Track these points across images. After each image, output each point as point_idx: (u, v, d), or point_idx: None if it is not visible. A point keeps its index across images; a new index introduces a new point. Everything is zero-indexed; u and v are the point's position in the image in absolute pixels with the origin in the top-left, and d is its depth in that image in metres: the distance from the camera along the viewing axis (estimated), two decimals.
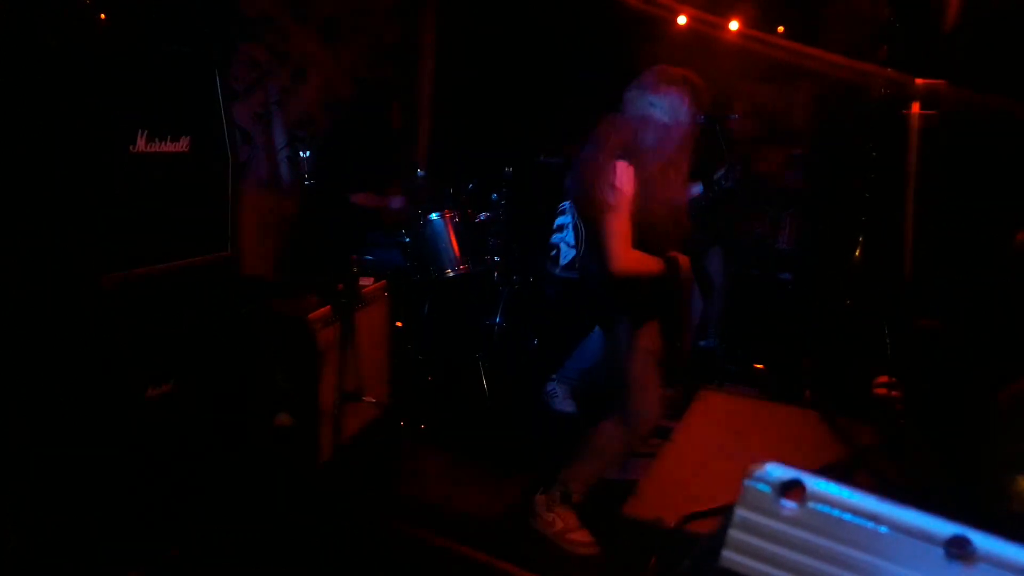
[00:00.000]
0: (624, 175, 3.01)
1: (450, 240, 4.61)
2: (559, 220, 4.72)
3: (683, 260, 3.20)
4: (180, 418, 2.80)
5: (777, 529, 0.66)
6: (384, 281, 3.65)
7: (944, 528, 0.62)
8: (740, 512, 0.67)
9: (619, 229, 3.00)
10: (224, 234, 3.01)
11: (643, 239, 3.09)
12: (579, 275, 3.30)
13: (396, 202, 4.94)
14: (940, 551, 0.61)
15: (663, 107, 3.07)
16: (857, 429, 1.90)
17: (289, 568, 2.91)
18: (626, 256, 3.01)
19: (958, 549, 0.61)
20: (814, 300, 3.16)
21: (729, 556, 0.67)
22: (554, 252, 3.33)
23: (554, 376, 4.32)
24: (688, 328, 4.26)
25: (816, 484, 0.66)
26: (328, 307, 3.12)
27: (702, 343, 4.91)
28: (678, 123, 3.07)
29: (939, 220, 2.39)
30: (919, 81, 2.50)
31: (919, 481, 1.60)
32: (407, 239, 4.73)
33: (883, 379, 2.40)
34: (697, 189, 3.96)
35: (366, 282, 3.47)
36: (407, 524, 3.34)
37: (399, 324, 4.62)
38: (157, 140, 2.66)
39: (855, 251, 2.75)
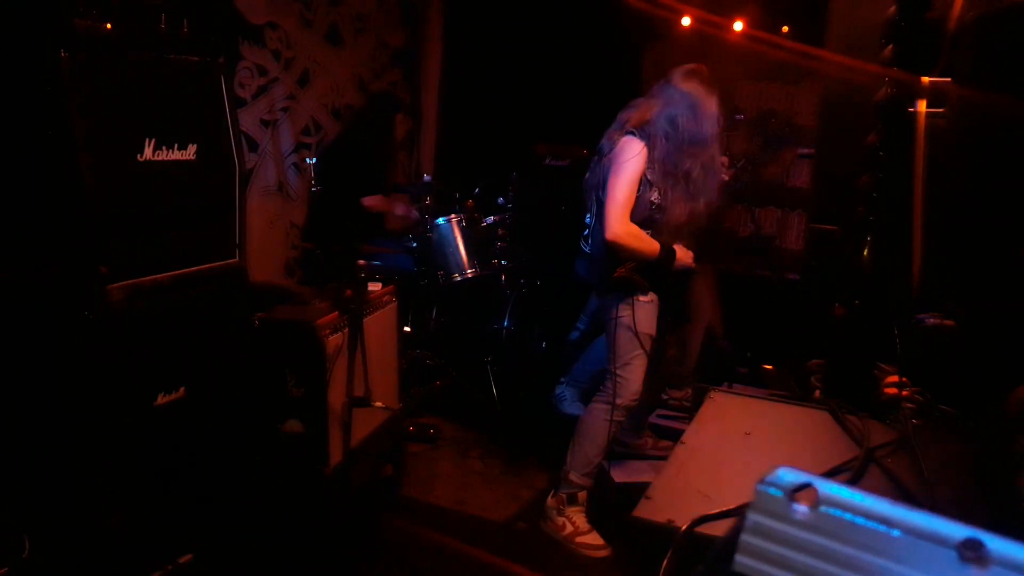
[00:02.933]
0: (632, 149, 3.08)
1: (457, 244, 4.62)
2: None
3: (683, 254, 3.23)
4: (190, 425, 2.80)
5: (789, 533, 0.66)
6: (392, 286, 3.65)
7: (957, 531, 0.62)
8: (752, 516, 0.67)
9: (619, 198, 3.09)
10: (232, 241, 3.01)
11: (660, 228, 3.15)
12: (589, 246, 3.37)
13: (401, 208, 4.95)
14: (953, 554, 0.61)
15: (685, 100, 3.13)
16: (868, 429, 1.89)
17: (301, 573, 2.92)
18: (622, 226, 3.08)
19: (971, 552, 0.60)
20: (823, 300, 3.15)
21: (742, 560, 0.67)
22: (586, 232, 3.40)
23: (563, 379, 4.32)
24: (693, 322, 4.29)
25: (828, 488, 0.66)
26: (336, 313, 3.13)
27: (711, 345, 4.90)
28: (701, 119, 3.12)
29: (948, 219, 2.38)
30: (925, 80, 2.49)
31: (931, 481, 1.60)
32: (415, 244, 4.73)
33: (893, 379, 2.40)
34: None
35: (374, 287, 3.47)
36: (418, 527, 3.34)
37: (407, 329, 4.63)
38: (164, 148, 2.67)
39: (863, 251, 2.74)
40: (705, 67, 3.27)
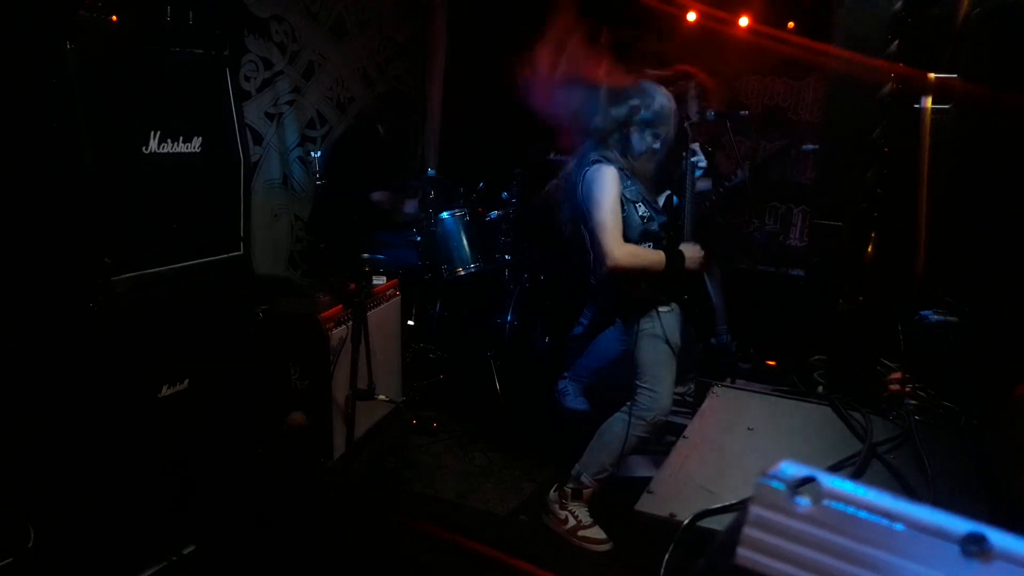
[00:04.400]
0: (602, 176, 3.05)
1: (461, 239, 4.62)
2: None
3: (692, 252, 3.19)
4: (194, 417, 2.81)
5: (792, 527, 0.66)
6: (396, 280, 3.66)
7: (960, 525, 0.62)
8: (754, 510, 0.67)
9: (607, 225, 3.05)
10: (236, 233, 3.02)
11: (658, 239, 3.14)
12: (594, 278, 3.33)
13: (410, 206, 4.94)
14: (956, 548, 0.61)
15: (646, 110, 3.12)
16: (871, 425, 1.89)
17: (303, 565, 2.92)
18: (620, 250, 3.04)
19: (974, 546, 0.60)
20: (826, 296, 3.14)
21: (744, 554, 0.67)
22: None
23: (566, 374, 4.32)
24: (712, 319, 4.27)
25: (831, 481, 0.66)
26: (340, 306, 3.13)
27: (713, 340, 4.89)
28: (663, 126, 3.11)
29: (953, 216, 2.38)
30: (931, 76, 2.48)
31: (934, 477, 1.60)
32: (418, 238, 4.73)
33: (896, 375, 2.39)
34: (705, 186, 3.97)
35: (378, 281, 3.48)
36: (420, 521, 3.35)
37: (411, 323, 4.63)
38: (170, 140, 2.68)
39: (867, 247, 2.73)
40: (650, 72, 3.27)
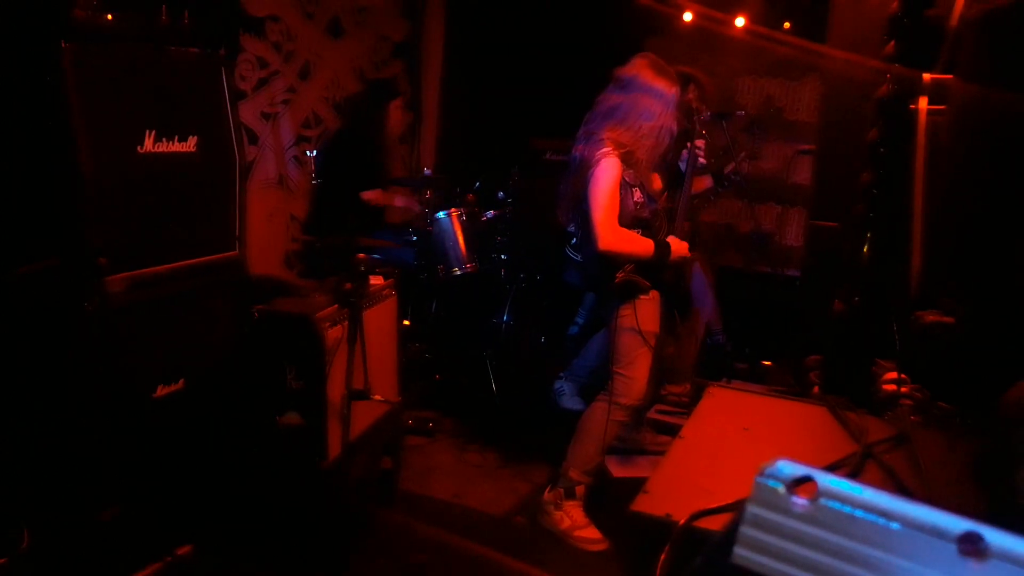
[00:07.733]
0: (604, 158, 3.07)
1: (457, 239, 4.61)
2: None
3: (678, 245, 3.22)
4: (189, 417, 2.80)
5: (789, 526, 0.66)
6: (392, 280, 3.65)
7: (956, 524, 0.62)
8: (751, 509, 0.67)
9: (603, 206, 3.07)
10: (231, 234, 3.01)
11: (650, 225, 3.16)
12: (579, 255, 3.36)
13: (400, 199, 4.93)
14: (952, 547, 0.61)
15: (640, 89, 3.12)
16: (866, 425, 1.89)
17: (298, 565, 2.92)
18: (612, 234, 3.07)
19: (970, 545, 0.60)
20: (822, 297, 3.15)
21: (741, 553, 0.67)
22: (573, 240, 3.38)
23: (562, 374, 4.32)
24: (694, 316, 4.29)
25: (827, 481, 0.66)
26: (336, 306, 3.12)
27: (710, 340, 4.90)
28: (663, 112, 3.12)
29: (948, 216, 2.38)
30: (927, 76, 2.49)
31: (929, 477, 1.60)
32: (415, 238, 4.73)
33: (891, 375, 2.40)
34: (706, 186, 3.98)
35: (374, 281, 3.47)
36: (416, 521, 3.34)
37: (407, 322, 4.63)
38: (165, 140, 2.67)
39: (863, 248, 2.74)
40: (654, 57, 3.26)
